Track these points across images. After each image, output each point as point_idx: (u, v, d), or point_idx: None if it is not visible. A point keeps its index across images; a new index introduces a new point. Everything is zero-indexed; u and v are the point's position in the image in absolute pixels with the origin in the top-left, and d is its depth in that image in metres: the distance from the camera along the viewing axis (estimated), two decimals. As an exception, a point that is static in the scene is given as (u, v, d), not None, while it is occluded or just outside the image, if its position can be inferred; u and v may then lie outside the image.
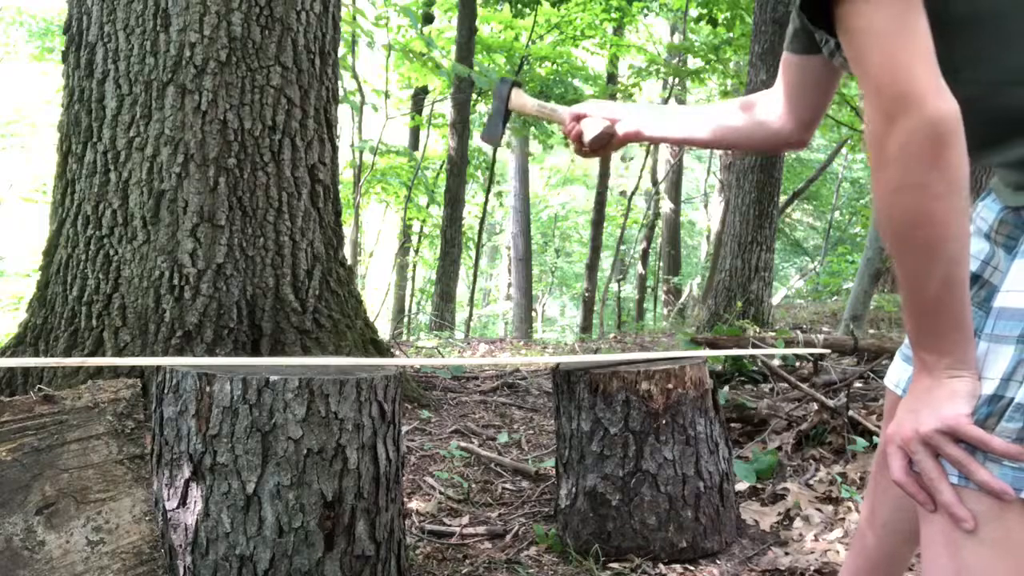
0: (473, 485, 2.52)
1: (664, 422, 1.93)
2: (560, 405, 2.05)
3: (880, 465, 1.34)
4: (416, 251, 13.16)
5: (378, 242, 12.67)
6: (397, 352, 4.64)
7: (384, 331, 7.49)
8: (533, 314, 15.55)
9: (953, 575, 0.88)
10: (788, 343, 3.83)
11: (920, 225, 0.83)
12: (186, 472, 1.48)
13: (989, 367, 0.87)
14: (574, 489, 2.00)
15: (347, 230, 7.87)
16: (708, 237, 15.20)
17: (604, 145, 1.35)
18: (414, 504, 2.32)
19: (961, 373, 0.86)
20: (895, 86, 0.81)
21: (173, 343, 2.61)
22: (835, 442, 2.67)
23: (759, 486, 2.45)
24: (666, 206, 14.73)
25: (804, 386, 3.05)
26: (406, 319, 10.13)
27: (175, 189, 2.68)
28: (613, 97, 11.40)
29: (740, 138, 1.33)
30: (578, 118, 1.36)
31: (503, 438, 3.08)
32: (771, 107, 1.27)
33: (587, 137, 1.31)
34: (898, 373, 1.27)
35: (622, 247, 14.20)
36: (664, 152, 14.80)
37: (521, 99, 1.45)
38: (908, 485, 0.88)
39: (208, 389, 1.46)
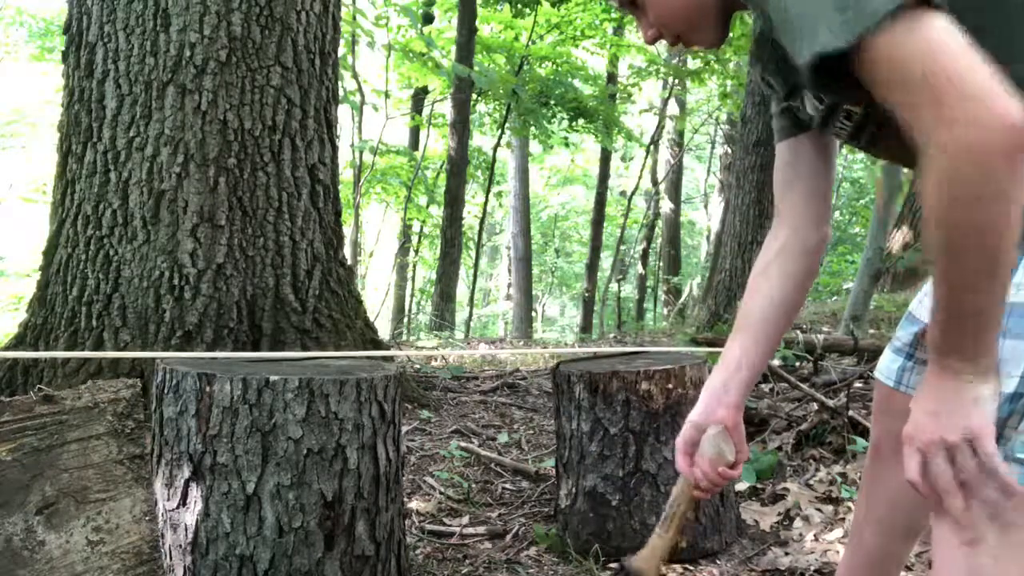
0: (473, 485, 2.52)
1: (665, 421, 1.93)
2: (560, 405, 2.05)
3: (874, 463, 1.34)
4: (416, 251, 13.15)
5: (378, 242, 12.67)
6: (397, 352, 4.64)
7: (384, 331, 7.50)
8: (533, 314, 15.54)
9: (966, 574, 0.88)
10: (788, 343, 3.83)
11: (993, 234, 0.80)
12: (186, 472, 1.48)
13: (1010, 364, 0.86)
14: (574, 489, 1.99)
15: (347, 230, 7.86)
16: (708, 237, 15.21)
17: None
18: (414, 504, 2.31)
19: (988, 377, 0.84)
20: (960, 88, 0.76)
21: (173, 343, 2.61)
22: (835, 442, 2.67)
23: (759, 486, 2.44)
24: (666, 206, 14.73)
25: (804, 386, 3.05)
26: (406, 319, 10.13)
27: (175, 189, 2.68)
28: (613, 97, 11.41)
29: (793, 296, 1.20)
30: (689, 452, 1.18)
31: (503, 438, 3.07)
32: (784, 241, 1.19)
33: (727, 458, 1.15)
34: (889, 364, 1.27)
35: (622, 247, 14.20)
36: (664, 152, 14.80)
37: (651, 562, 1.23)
38: (922, 486, 0.87)
39: (208, 389, 1.46)
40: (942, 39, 0.78)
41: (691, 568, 1.91)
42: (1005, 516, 0.86)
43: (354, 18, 7.20)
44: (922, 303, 1.21)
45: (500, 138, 10.90)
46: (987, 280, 0.81)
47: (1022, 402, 0.86)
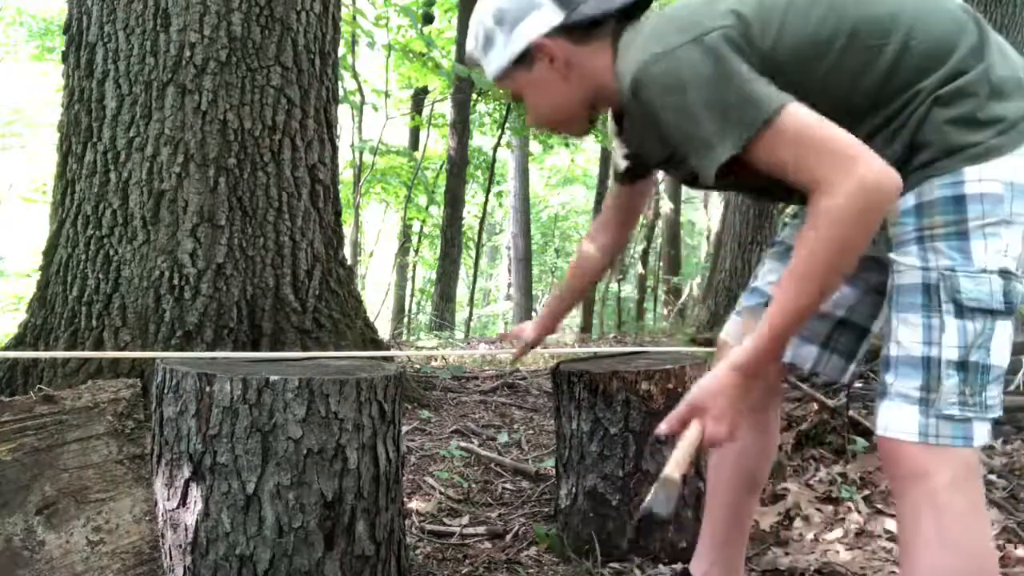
0: (473, 485, 2.52)
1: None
2: (560, 405, 2.05)
3: None
4: (416, 251, 13.15)
5: (378, 242, 12.66)
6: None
7: (384, 331, 7.49)
8: (533, 314, 15.52)
9: (939, 532, 1.11)
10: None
11: (853, 254, 1.09)
12: (186, 472, 1.48)
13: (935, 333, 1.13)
14: (574, 489, 1.99)
15: (347, 230, 7.85)
16: (708, 237, 15.19)
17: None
18: (414, 504, 2.31)
19: None
20: (846, 148, 1.06)
21: (173, 343, 2.61)
22: (835, 442, 2.67)
23: (759, 486, 2.44)
24: (666, 206, 14.72)
25: (804, 386, 3.05)
26: (406, 319, 10.13)
27: (175, 189, 2.68)
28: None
29: (593, 271, 1.82)
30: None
31: (503, 438, 3.07)
32: (603, 238, 1.77)
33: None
34: (738, 330, 1.53)
35: (622, 247, 14.12)
36: (664, 152, 14.75)
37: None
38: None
39: (208, 389, 1.46)
40: (807, 118, 1.09)
41: (690, 568, 1.90)
42: (956, 474, 1.10)
43: (354, 18, 7.19)
44: (763, 279, 1.55)
45: (500, 138, 10.89)
46: (824, 294, 1.12)
47: (940, 366, 1.11)
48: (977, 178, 1.11)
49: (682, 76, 1.12)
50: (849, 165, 1.04)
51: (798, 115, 1.09)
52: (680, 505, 1.23)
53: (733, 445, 1.50)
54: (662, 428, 1.21)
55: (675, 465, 1.17)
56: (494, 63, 1.37)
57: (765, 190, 1.37)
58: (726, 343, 1.56)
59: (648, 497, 1.14)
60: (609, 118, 1.50)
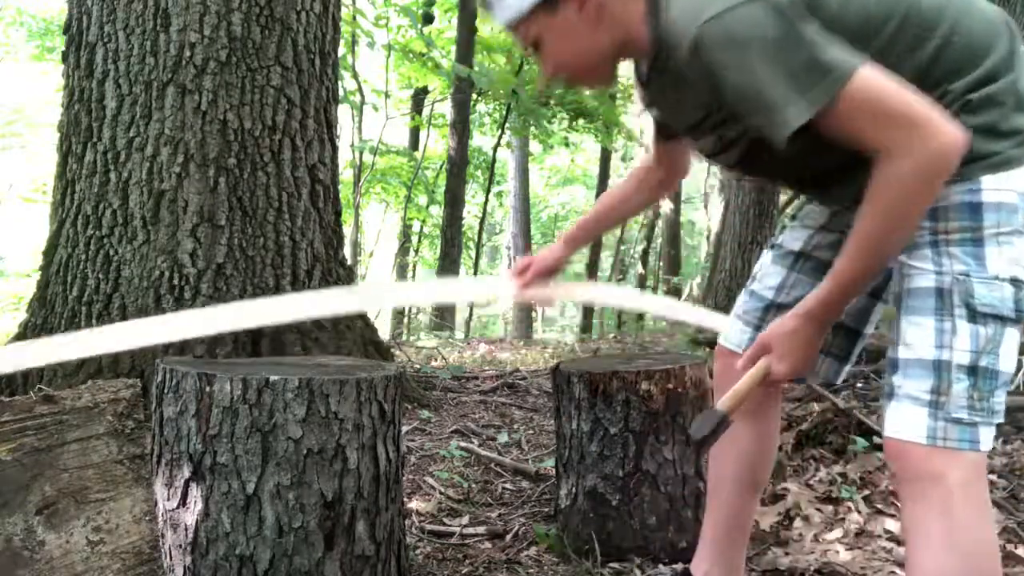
0: (473, 485, 2.52)
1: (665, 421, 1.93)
2: (560, 405, 2.05)
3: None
4: (416, 251, 13.15)
5: (378, 242, 12.66)
6: (397, 352, 4.64)
7: (384, 331, 7.49)
8: (533, 314, 15.53)
9: (947, 534, 1.11)
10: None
11: (920, 215, 1.11)
12: (186, 472, 1.48)
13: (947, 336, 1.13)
14: (574, 489, 1.99)
15: (347, 230, 7.85)
16: (708, 237, 15.20)
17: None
18: (414, 504, 2.31)
19: None
20: (919, 112, 1.05)
21: (173, 343, 2.61)
22: (835, 442, 2.67)
23: (759, 486, 2.44)
24: (666, 206, 14.72)
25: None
26: (406, 319, 10.13)
27: (175, 189, 2.68)
28: (613, 98, 11.40)
29: (633, 205, 1.73)
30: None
31: (503, 438, 3.07)
32: (649, 173, 1.66)
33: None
34: (738, 334, 1.53)
35: (622, 247, 14.19)
36: (664, 152, 14.72)
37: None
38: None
39: (208, 389, 1.46)
40: (883, 80, 1.07)
41: (691, 568, 1.90)
42: (965, 477, 1.11)
43: (354, 18, 7.19)
44: (762, 283, 1.54)
45: (500, 138, 10.89)
46: (890, 253, 1.15)
47: (950, 370, 1.11)
48: (994, 187, 1.12)
49: (746, 35, 1.07)
50: (922, 130, 1.04)
51: (870, 79, 1.06)
52: (715, 437, 1.28)
53: (734, 446, 1.50)
54: (740, 363, 1.29)
55: (727, 398, 1.26)
56: (512, 5, 1.22)
57: (815, 171, 1.28)
58: (724, 346, 1.56)
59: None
60: (633, 72, 1.37)
